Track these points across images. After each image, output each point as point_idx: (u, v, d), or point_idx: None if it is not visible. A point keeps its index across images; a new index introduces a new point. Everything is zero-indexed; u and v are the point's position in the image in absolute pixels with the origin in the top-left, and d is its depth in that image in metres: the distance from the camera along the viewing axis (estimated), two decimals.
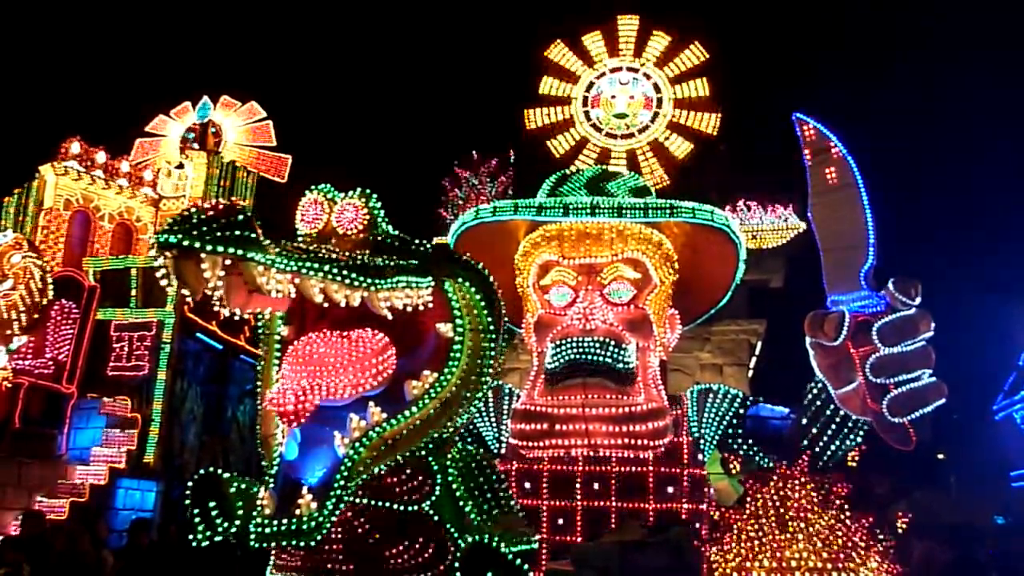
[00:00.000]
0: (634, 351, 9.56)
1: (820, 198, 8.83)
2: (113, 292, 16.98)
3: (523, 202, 10.41)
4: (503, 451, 10.06)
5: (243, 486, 5.88)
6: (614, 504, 9.32)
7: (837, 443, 8.69)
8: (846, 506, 7.12)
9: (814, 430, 8.74)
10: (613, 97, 16.30)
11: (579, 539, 8.93)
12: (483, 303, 6.31)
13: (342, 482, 5.50)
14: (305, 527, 5.36)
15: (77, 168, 19.98)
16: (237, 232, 4.91)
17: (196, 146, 22.95)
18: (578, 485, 9.43)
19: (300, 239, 6.23)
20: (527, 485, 9.54)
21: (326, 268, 5.39)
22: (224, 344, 18.60)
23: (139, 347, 16.82)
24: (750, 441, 9.50)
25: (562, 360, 9.43)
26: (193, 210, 4.94)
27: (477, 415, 10.35)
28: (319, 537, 5.48)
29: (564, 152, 16.07)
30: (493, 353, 6.36)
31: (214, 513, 5.63)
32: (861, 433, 8.60)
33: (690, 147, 15.54)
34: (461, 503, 6.26)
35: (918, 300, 7.60)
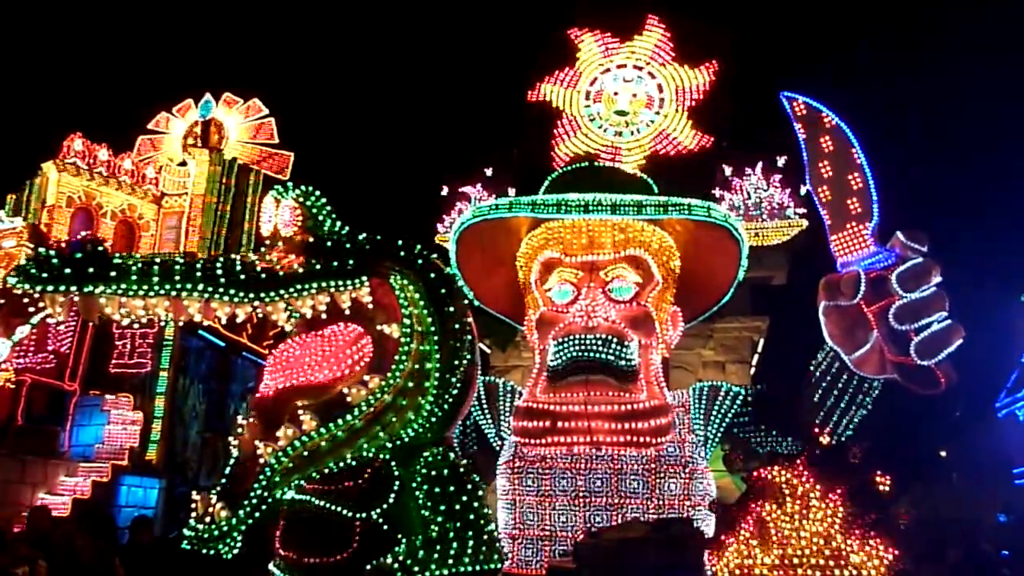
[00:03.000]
0: (636, 348, 9.56)
1: (818, 168, 9.01)
2: None
3: (524, 199, 10.39)
4: (505, 448, 10.06)
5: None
6: (616, 501, 9.33)
7: (853, 409, 8.74)
8: (848, 503, 7.12)
9: (829, 401, 8.77)
10: (616, 94, 16.26)
11: (581, 536, 8.94)
12: (422, 302, 5.92)
13: (259, 491, 5.38)
14: (207, 535, 5.29)
15: (79, 165, 20.01)
16: (68, 270, 5.03)
17: (198, 143, 22.98)
18: (580, 482, 9.43)
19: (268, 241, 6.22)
20: (529, 482, 9.55)
21: (200, 287, 5.33)
22: (226, 341, 18.65)
23: (141, 344, 16.88)
24: (762, 428, 9.49)
25: (565, 357, 9.43)
26: (41, 252, 5.11)
27: (478, 412, 10.37)
28: (224, 546, 5.38)
29: (559, 135, 16.03)
30: (437, 358, 5.94)
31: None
32: (872, 394, 8.69)
33: (684, 149, 15.50)
34: (423, 512, 5.84)
35: (926, 247, 7.85)
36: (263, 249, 6.12)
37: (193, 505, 5.51)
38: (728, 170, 16.09)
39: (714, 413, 9.76)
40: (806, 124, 9.14)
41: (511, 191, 15.83)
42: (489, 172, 17.32)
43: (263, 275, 5.57)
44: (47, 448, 15.07)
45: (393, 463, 6.03)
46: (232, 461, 5.67)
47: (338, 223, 6.18)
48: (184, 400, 17.58)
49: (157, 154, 23.24)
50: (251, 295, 5.47)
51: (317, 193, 6.15)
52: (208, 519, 5.31)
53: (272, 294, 5.55)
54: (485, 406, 10.44)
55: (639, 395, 9.33)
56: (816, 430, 8.81)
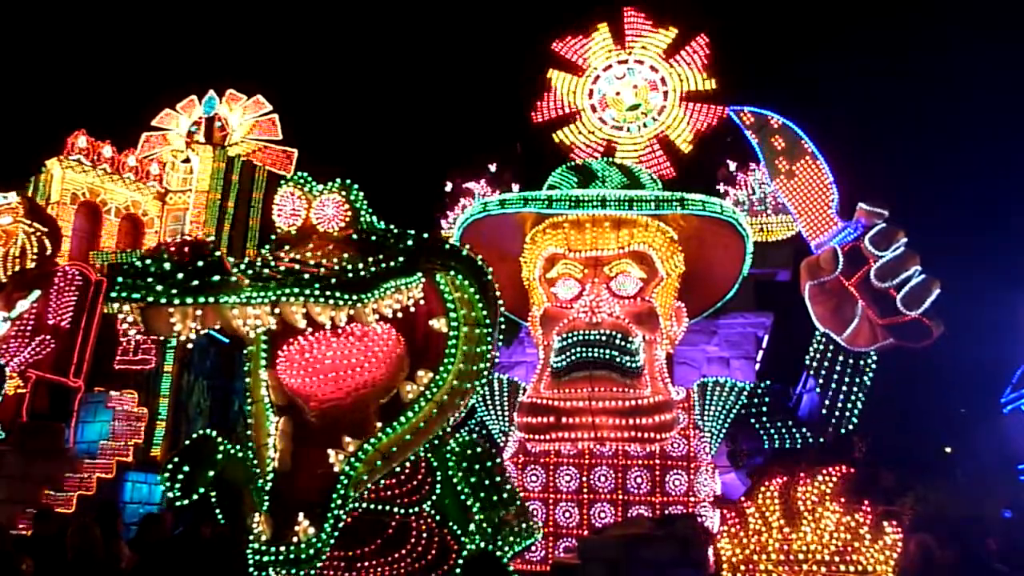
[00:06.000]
0: (640, 344, 9.55)
1: (779, 170, 9.70)
2: None
3: (529, 195, 10.39)
4: (509, 444, 10.06)
5: (233, 451, 5.82)
6: (621, 497, 9.32)
7: (854, 392, 8.90)
8: (853, 499, 7.10)
9: (831, 388, 8.87)
10: (618, 94, 16.20)
11: (585, 532, 8.94)
12: (477, 295, 6.01)
13: (339, 501, 5.22)
14: (304, 555, 5.08)
15: (83, 161, 20.04)
16: (205, 279, 4.61)
17: (202, 140, 22.95)
18: (584, 478, 9.43)
19: (278, 234, 6.00)
20: (533, 478, 9.55)
21: (307, 292, 5.10)
22: (230, 338, 18.62)
23: (145, 341, 16.83)
24: (784, 419, 9.50)
25: (569, 353, 9.41)
26: (154, 258, 4.59)
27: (483, 408, 10.36)
28: (319, 563, 5.20)
29: (585, 155, 15.95)
30: (490, 346, 6.08)
31: (192, 475, 5.66)
32: (869, 372, 8.90)
33: (709, 115, 15.35)
34: (463, 498, 6.01)
35: (887, 212, 8.39)
36: (287, 247, 5.83)
37: (259, 523, 5.31)
38: (733, 165, 16.05)
39: (718, 408, 9.74)
40: (756, 130, 9.85)
41: (515, 187, 15.79)
42: (493, 168, 17.27)
43: (342, 277, 5.34)
44: (52, 444, 15.06)
45: (429, 454, 6.06)
46: (271, 475, 5.47)
47: (374, 218, 6.05)
48: (189, 396, 17.56)
49: (161, 150, 23.20)
50: (351, 298, 5.27)
51: (356, 187, 6.00)
52: (295, 539, 5.11)
53: (366, 296, 5.36)
54: (489, 402, 10.44)
55: (643, 391, 9.32)
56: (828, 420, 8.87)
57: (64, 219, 19.13)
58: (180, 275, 4.55)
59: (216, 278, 4.65)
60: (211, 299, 4.65)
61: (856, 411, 8.88)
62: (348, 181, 6.01)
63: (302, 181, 6.04)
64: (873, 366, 8.88)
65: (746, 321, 15.67)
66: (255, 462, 5.76)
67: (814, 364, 9.02)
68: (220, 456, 5.81)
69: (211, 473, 5.77)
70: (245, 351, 6.12)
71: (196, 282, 4.58)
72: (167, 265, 4.55)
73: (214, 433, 5.94)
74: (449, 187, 17.63)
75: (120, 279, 4.53)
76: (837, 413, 8.86)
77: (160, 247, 4.69)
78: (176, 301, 4.54)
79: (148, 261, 4.57)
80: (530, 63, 16.82)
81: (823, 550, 6.88)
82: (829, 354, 8.89)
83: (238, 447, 5.88)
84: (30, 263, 15.55)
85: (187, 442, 5.88)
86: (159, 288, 4.50)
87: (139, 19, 41.20)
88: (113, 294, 4.56)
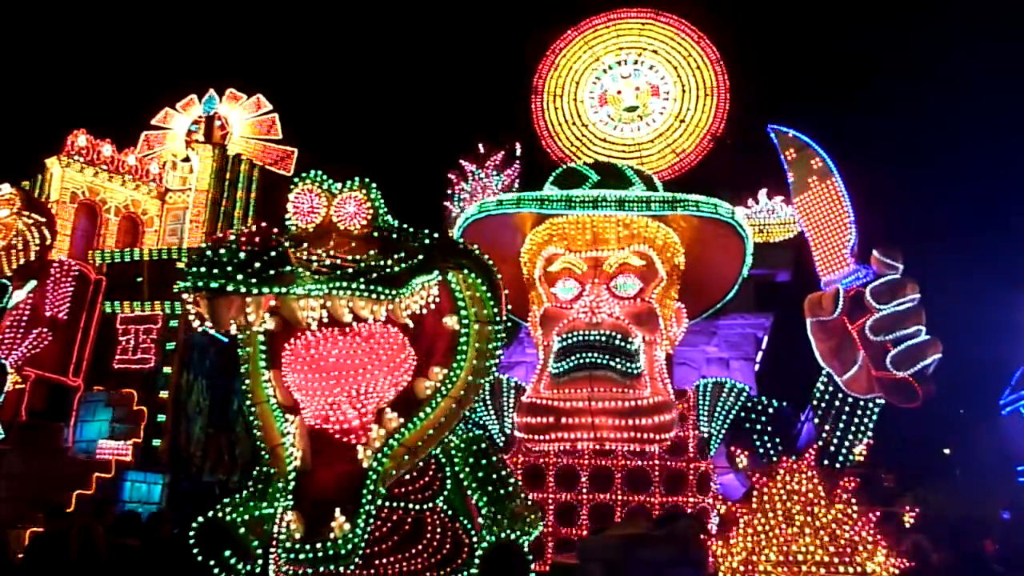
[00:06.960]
0: (640, 344, 9.54)
1: (802, 194, 9.69)
2: (119, 285, 17.00)
3: (529, 195, 10.38)
4: (508, 444, 10.05)
5: (249, 517, 5.70)
6: (620, 497, 9.32)
7: (852, 433, 8.76)
8: (853, 500, 7.09)
9: (827, 426, 8.80)
10: (619, 92, 16.21)
11: (585, 533, 8.93)
12: (488, 292, 6.15)
13: (369, 496, 5.31)
14: (343, 551, 5.13)
15: (83, 161, 20.04)
16: (278, 269, 4.70)
17: (202, 139, 22.92)
18: (584, 478, 9.43)
19: (291, 232, 5.94)
20: (533, 479, 9.54)
21: (353, 286, 5.18)
22: (229, 337, 18.59)
23: (145, 340, 16.86)
24: (775, 438, 9.46)
25: (569, 354, 9.41)
26: (228, 248, 4.60)
27: (482, 408, 10.35)
28: (356, 559, 5.25)
29: (573, 150, 15.93)
30: (500, 343, 6.23)
31: (232, 560, 5.47)
32: (871, 417, 8.75)
33: (703, 130, 15.36)
34: (470, 492, 6.15)
35: (901, 264, 8.19)
36: (305, 244, 5.69)
37: (291, 523, 5.33)
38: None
39: (719, 409, 9.74)
40: (789, 153, 9.83)
41: (514, 185, 15.80)
42: (493, 168, 17.31)
43: (381, 272, 5.42)
44: (51, 443, 15.06)
45: (436, 450, 6.14)
46: (292, 474, 5.52)
47: (389, 216, 6.13)
48: (188, 395, 17.54)
49: (161, 149, 23.18)
50: (392, 293, 5.37)
51: (375, 185, 6.07)
52: (332, 535, 5.18)
53: (403, 291, 5.48)
54: (488, 402, 10.43)
55: (643, 391, 9.32)
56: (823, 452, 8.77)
57: (64, 218, 19.12)
58: (257, 264, 4.62)
59: (287, 268, 4.75)
60: (283, 289, 4.75)
61: (852, 455, 8.77)
62: (367, 179, 6.06)
63: (319, 179, 6.08)
64: (876, 412, 8.73)
65: (746, 322, 15.71)
66: (269, 467, 5.79)
67: (814, 398, 9.00)
68: (239, 529, 5.65)
69: (255, 544, 5.67)
70: (241, 352, 6.11)
71: (272, 272, 4.66)
72: (242, 255, 4.60)
73: (211, 514, 5.73)
74: (448, 187, 17.67)
75: (193, 268, 4.56)
76: (832, 449, 8.76)
77: (228, 236, 4.74)
78: (254, 290, 4.63)
79: (221, 251, 4.62)
80: (532, 59, 16.86)
81: (822, 551, 6.88)
82: (828, 395, 8.83)
83: (240, 509, 5.77)
84: (33, 255, 15.56)
85: (191, 533, 5.63)
86: (239, 277, 4.56)
87: (139, 19, 41.19)
88: (187, 284, 4.58)
